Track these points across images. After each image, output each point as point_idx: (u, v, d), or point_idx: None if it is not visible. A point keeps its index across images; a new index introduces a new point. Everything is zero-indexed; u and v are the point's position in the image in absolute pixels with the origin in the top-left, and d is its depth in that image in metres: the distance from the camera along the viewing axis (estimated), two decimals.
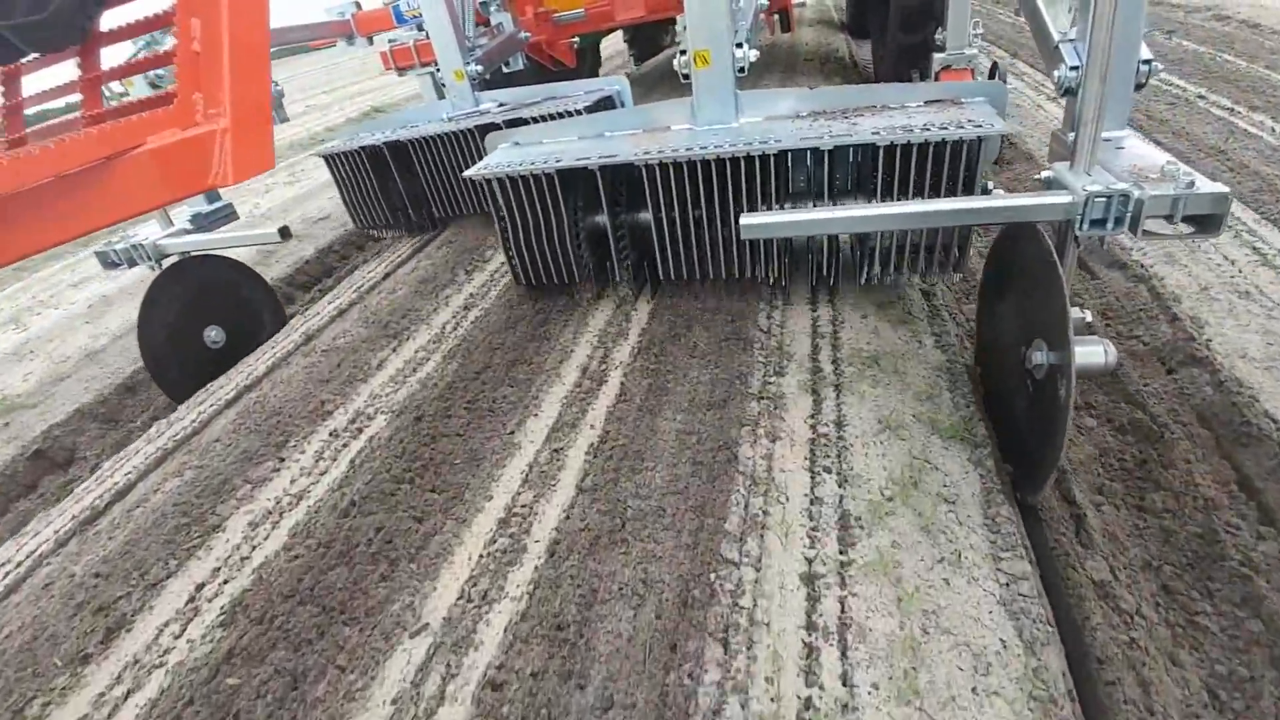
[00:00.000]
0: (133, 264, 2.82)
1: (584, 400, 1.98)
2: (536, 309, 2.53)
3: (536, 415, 1.95)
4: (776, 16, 5.52)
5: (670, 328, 2.23)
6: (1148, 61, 1.71)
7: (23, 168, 1.00)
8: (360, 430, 2.03)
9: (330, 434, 2.04)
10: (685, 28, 2.04)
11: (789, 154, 1.98)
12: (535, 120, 2.92)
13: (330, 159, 3.54)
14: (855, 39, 7.85)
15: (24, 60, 1.44)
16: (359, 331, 2.68)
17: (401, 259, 3.49)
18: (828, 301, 2.27)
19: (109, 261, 2.85)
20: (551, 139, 2.44)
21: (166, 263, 2.82)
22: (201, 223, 2.93)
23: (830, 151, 1.95)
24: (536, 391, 2.05)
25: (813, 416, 1.80)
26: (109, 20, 1.39)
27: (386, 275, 3.31)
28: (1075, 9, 1.80)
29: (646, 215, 2.24)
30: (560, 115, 2.91)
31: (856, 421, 1.77)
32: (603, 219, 2.31)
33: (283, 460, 1.96)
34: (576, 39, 4.78)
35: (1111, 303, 2.35)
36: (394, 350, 2.49)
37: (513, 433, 1.89)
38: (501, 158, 2.34)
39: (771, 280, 2.28)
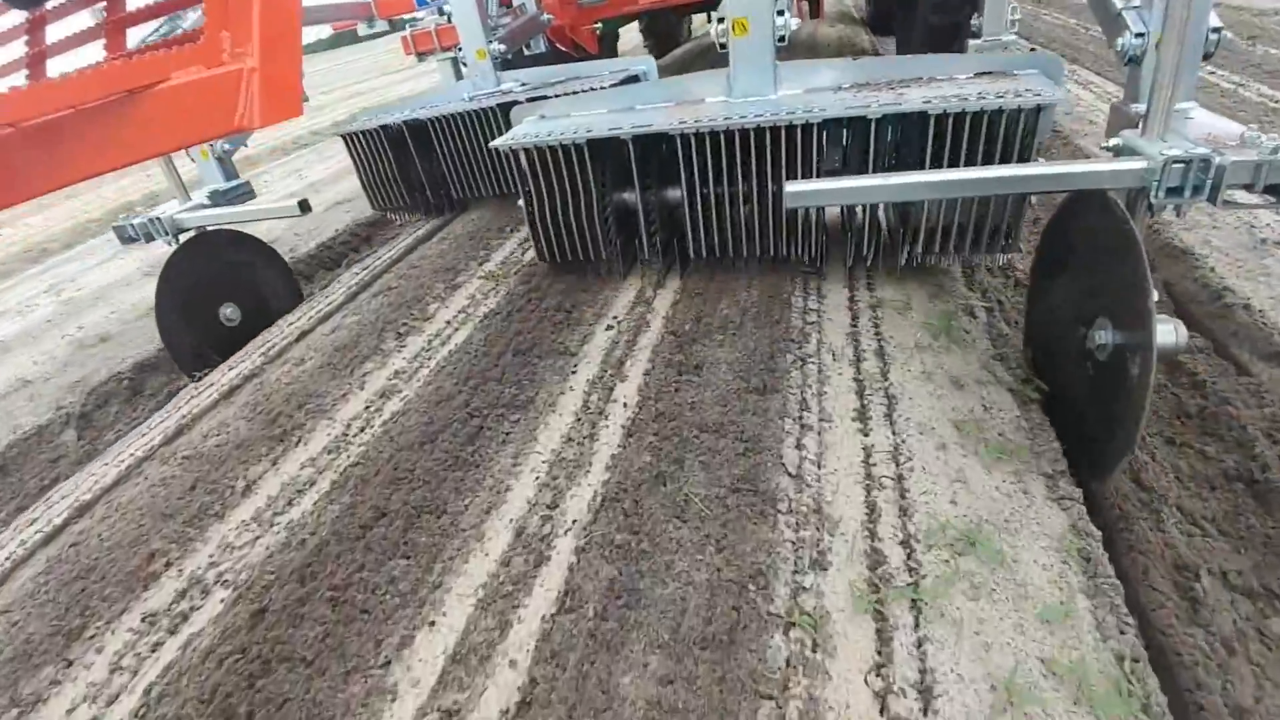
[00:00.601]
0: (150, 239, 2.78)
1: None
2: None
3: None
4: (806, 3, 5.42)
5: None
6: (1217, 30, 1.62)
7: (40, 96, 0.93)
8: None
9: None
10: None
11: (828, 129, 1.89)
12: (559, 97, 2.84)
13: (349, 138, 3.47)
14: (876, 35, 7.75)
15: (49, 7, 1.38)
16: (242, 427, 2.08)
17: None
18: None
19: (126, 236, 2.80)
20: (580, 112, 2.36)
21: (183, 238, 2.78)
22: (219, 199, 2.88)
23: (875, 124, 1.86)
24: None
25: None
26: None
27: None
28: None
29: (677, 192, 2.15)
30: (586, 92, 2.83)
31: None
32: (633, 195, 2.23)
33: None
34: (599, 24, 4.70)
35: None
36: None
37: None
38: (528, 129, 2.26)
39: (808, 260, 2.19)
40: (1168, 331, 1.42)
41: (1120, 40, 1.69)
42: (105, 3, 1.42)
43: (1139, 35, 1.66)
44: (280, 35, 1.23)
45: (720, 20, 2.02)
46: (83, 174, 1.05)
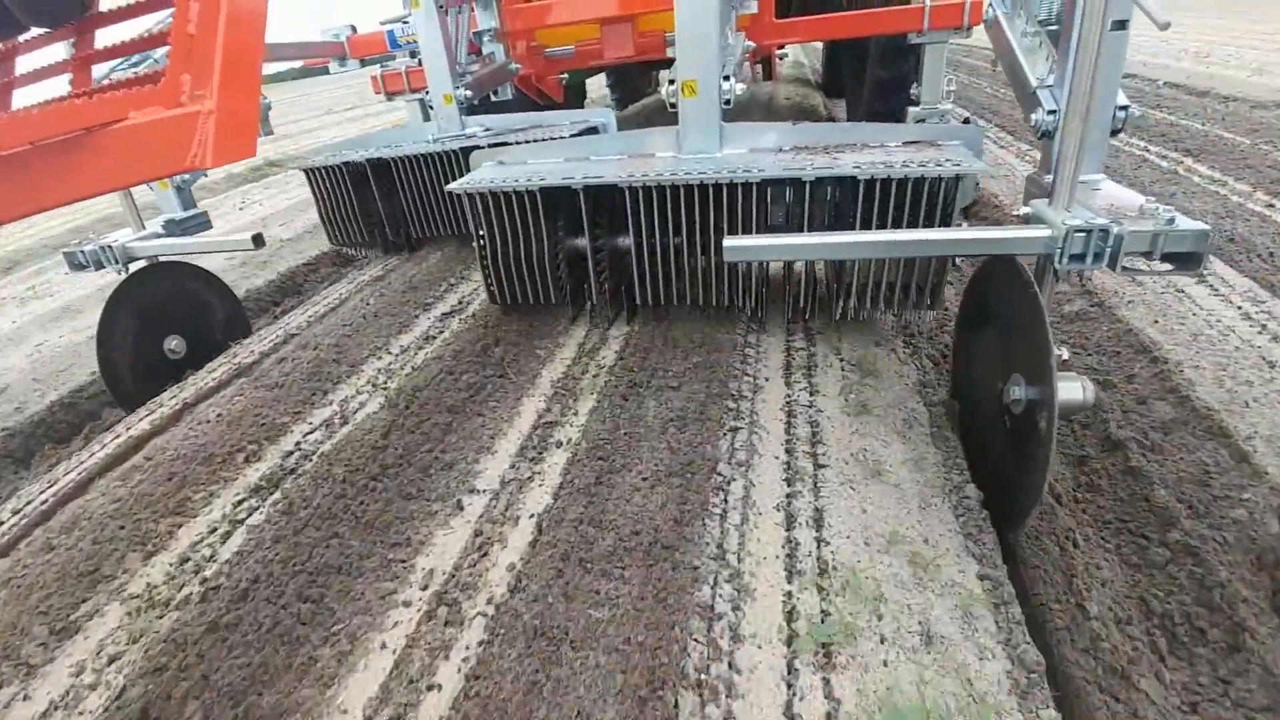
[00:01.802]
0: (100, 266, 2.71)
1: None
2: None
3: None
4: (760, 66, 5.73)
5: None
6: (1124, 107, 1.79)
7: (2, 129, 0.95)
8: None
9: None
10: (676, 57, 2.09)
11: (769, 187, 2.01)
12: (519, 144, 2.94)
13: (310, 173, 3.49)
14: (829, 97, 8.21)
15: (20, 39, 1.40)
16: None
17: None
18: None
19: (76, 263, 2.73)
20: (536, 159, 2.44)
21: (134, 267, 2.73)
22: (173, 229, 2.84)
23: (811, 185, 1.98)
24: None
25: None
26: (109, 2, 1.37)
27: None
28: (1053, 58, 1.90)
29: (626, 240, 2.24)
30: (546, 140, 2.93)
31: None
32: (584, 241, 2.30)
33: None
34: (565, 75, 4.88)
35: None
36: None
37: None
38: (485, 174, 2.33)
39: (749, 311, 2.29)
40: (1073, 389, 1.53)
41: (1034, 116, 1.86)
42: (75, 38, 1.45)
43: (1051, 112, 1.82)
44: (240, 79, 1.27)
45: (672, 81, 2.15)
46: (40, 206, 1.07)
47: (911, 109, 3.86)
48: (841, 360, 2.11)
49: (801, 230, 2.08)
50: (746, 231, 2.05)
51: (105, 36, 1.62)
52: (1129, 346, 2.31)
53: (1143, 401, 2.04)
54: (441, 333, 2.60)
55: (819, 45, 9.59)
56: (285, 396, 2.23)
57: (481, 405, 2.02)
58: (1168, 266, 1.48)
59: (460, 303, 2.92)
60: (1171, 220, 1.43)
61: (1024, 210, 1.67)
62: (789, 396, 1.94)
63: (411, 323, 2.75)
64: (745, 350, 2.15)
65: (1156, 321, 2.43)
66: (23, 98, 1.53)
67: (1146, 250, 1.46)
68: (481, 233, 2.34)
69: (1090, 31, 1.42)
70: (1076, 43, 1.44)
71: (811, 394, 1.95)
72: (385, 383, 2.25)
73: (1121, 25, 1.58)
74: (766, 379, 2.04)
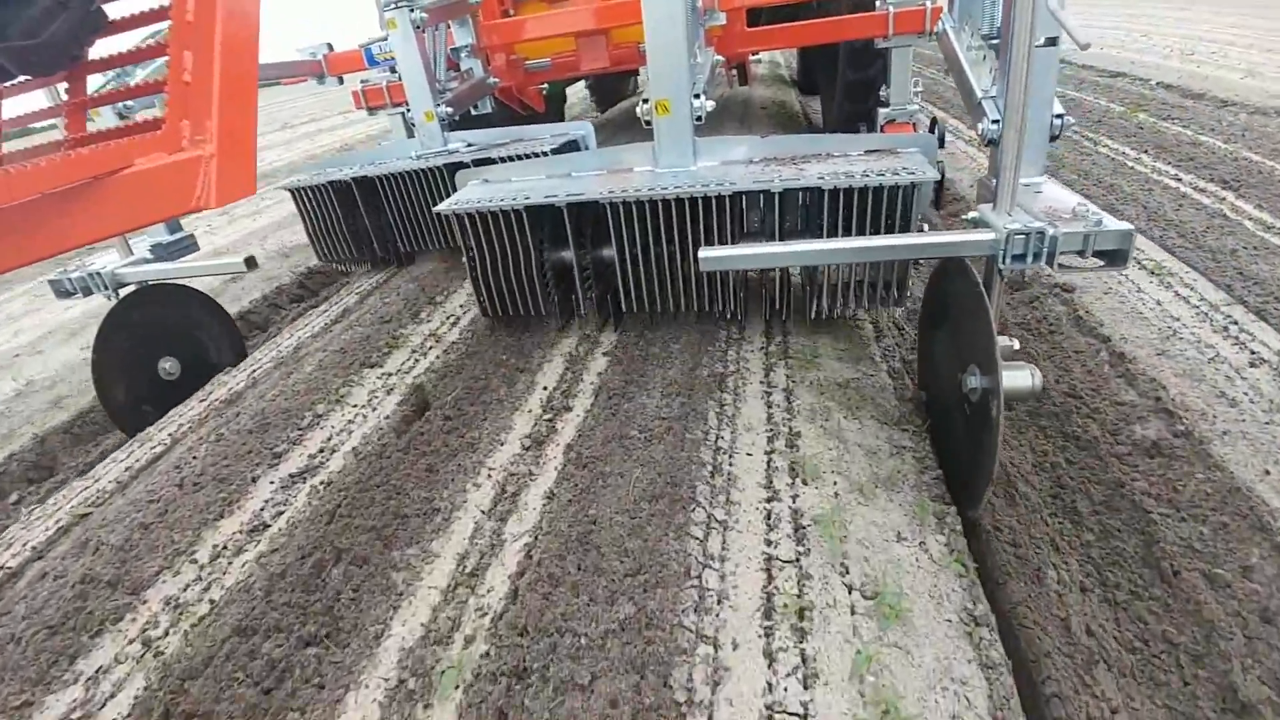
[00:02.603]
0: (88, 293, 2.77)
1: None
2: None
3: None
4: (735, 70, 5.86)
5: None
6: (1060, 116, 1.92)
7: (14, 184, 1.04)
8: None
9: None
10: (648, 78, 2.20)
11: (743, 195, 2.13)
12: (503, 160, 3.03)
13: (296, 192, 3.57)
14: (804, 95, 8.36)
15: (10, 83, 1.48)
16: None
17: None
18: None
19: (63, 290, 2.79)
20: (520, 177, 2.55)
21: (124, 292, 2.79)
22: (161, 253, 2.91)
23: (780, 195, 2.11)
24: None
25: None
26: (101, 49, 1.45)
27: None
28: (995, 70, 2.03)
29: (610, 251, 2.35)
30: (527, 156, 3.03)
31: None
32: (569, 254, 2.41)
33: None
34: (545, 86, 4.97)
35: None
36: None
37: None
38: (471, 194, 2.43)
39: (729, 314, 2.41)
40: (1021, 376, 1.67)
41: (980, 125, 1.99)
42: (67, 85, 1.53)
43: (995, 121, 1.95)
44: (237, 124, 1.37)
45: (645, 100, 2.26)
46: (50, 251, 1.15)
47: (881, 109, 4.01)
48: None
49: (775, 235, 2.20)
50: (723, 239, 2.17)
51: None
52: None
53: None
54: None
55: None
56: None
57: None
58: (1099, 263, 1.61)
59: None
60: (1099, 222, 1.56)
61: (972, 214, 1.80)
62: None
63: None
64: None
65: None
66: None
67: (1079, 249, 1.59)
68: (471, 250, 2.44)
69: (1021, 48, 1.54)
70: (1012, 57, 1.57)
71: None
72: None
73: (1052, 42, 1.71)
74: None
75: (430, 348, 2.68)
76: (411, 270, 3.69)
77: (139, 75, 2.53)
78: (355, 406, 2.30)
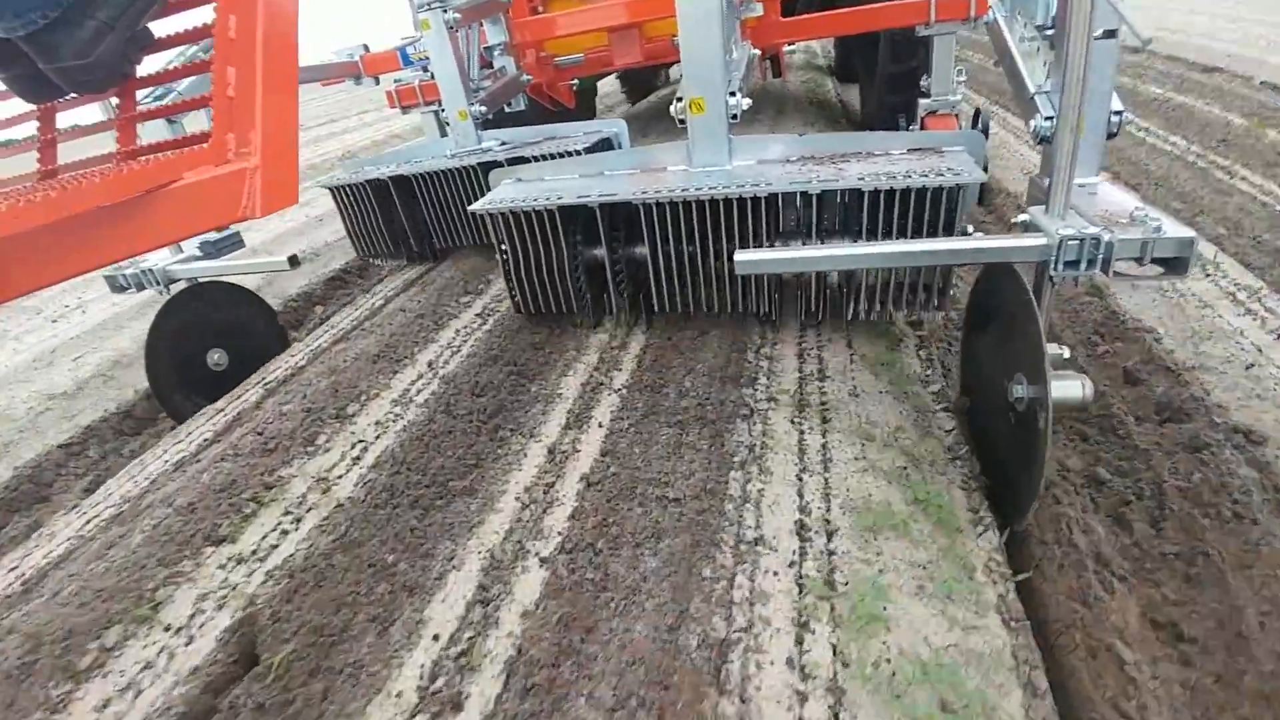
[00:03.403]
0: (141, 288, 2.89)
1: None
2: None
3: None
4: (768, 62, 5.75)
5: None
6: (1119, 112, 1.83)
7: (74, 198, 1.08)
8: None
9: None
10: (682, 76, 2.17)
11: (779, 196, 2.09)
12: (536, 159, 3.03)
13: (335, 190, 3.64)
14: (841, 83, 8.16)
15: (64, 99, 1.53)
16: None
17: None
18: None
19: (117, 286, 2.91)
20: (553, 176, 2.54)
21: (175, 288, 2.90)
22: (209, 250, 3.01)
23: (818, 194, 2.06)
24: None
25: None
26: (147, 66, 1.49)
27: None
28: (1049, 63, 1.94)
29: (643, 249, 2.33)
30: (560, 155, 3.03)
31: None
32: (601, 252, 2.40)
33: None
34: (576, 81, 4.96)
35: None
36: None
37: None
38: (505, 193, 2.44)
39: (762, 314, 2.37)
40: (1072, 387, 1.60)
41: (1033, 122, 1.91)
42: (118, 100, 1.58)
43: (1048, 118, 1.87)
44: (279, 136, 1.39)
45: (679, 99, 2.23)
46: (105, 260, 1.20)
47: (922, 100, 3.88)
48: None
49: (812, 235, 2.15)
50: (758, 239, 2.13)
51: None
52: None
53: None
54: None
55: None
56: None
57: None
58: (1159, 270, 1.54)
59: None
60: (1159, 228, 1.49)
61: (1023, 217, 1.73)
62: None
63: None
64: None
65: None
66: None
67: (1137, 256, 1.51)
68: (504, 248, 2.45)
69: (1079, 40, 1.47)
70: (1068, 51, 1.49)
71: None
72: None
73: (1111, 34, 1.62)
74: None
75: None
76: (443, 267, 3.73)
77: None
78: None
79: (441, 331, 2.83)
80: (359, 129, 11.11)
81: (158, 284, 2.88)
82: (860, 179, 1.93)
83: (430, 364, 2.53)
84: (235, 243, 3.17)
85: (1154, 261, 1.58)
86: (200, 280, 2.94)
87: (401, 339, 2.77)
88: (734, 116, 2.19)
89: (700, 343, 2.35)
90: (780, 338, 2.37)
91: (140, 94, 1.74)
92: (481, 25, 3.97)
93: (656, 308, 2.42)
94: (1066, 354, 1.75)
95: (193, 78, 2.11)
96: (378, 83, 4.63)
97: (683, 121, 2.24)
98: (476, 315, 2.95)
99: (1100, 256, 1.56)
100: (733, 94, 2.16)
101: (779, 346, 2.32)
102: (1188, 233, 1.49)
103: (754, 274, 2.16)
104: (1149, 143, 4.64)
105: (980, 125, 3.79)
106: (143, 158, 1.43)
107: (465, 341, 2.68)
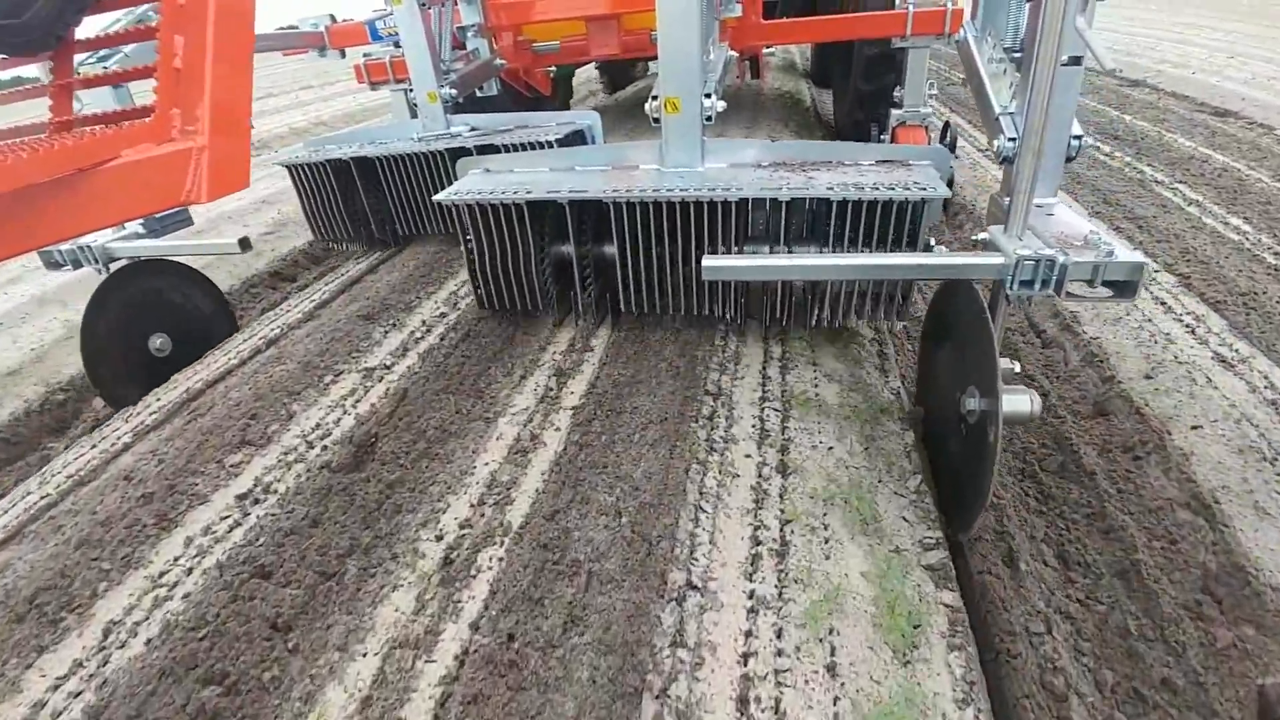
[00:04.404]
0: (78, 265, 2.73)
1: None
2: None
3: None
4: (747, 63, 5.76)
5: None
6: (1078, 137, 1.88)
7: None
8: None
9: None
10: (658, 75, 2.14)
11: (749, 201, 2.08)
12: (507, 148, 2.97)
13: (293, 169, 3.50)
14: (817, 87, 8.24)
15: None
16: None
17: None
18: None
19: (52, 261, 2.74)
20: (522, 169, 2.49)
21: (114, 266, 2.74)
22: (153, 227, 2.86)
23: (787, 201, 2.06)
24: None
25: None
26: (88, 29, 1.39)
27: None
28: (1015, 85, 1.98)
29: (611, 249, 2.31)
30: (532, 145, 2.97)
31: None
32: (569, 249, 2.37)
33: None
34: (553, 69, 4.88)
35: None
36: None
37: None
38: (472, 183, 2.38)
39: (728, 318, 2.37)
40: (1021, 401, 1.64)
41: (996, 141, 1.94)
42: (52, 64, 1.47)
43: (1011, 139, 1.90)
44: (230, 113, 1.32)
45: (654, 97, 2.20)
46: (32, 245, 1.11)
47: (894, 110, 3.94)
48: None
49: (780, 241, 2.16)
50: (727, 243, 2.13)
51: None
52: None
53: None
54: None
55: None
56: None
57: None
58: (1108, 293, 1.58)
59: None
60: (1111, 252, 1.53)
61: (982, 235, 1.77)
62: None
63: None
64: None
65: None
66: None
67: (1088, 279, 1.56)
68: (469, 240, 2.39)
69: (1045, 65, 1.50)
70: (1034, 75, 1.52)
71: None
72: None
73: (1075, 61, 1.66)
74: None
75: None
76: (403, 256, 3.63)
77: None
78: None
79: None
80: (306, 105, 10.64)
81: (95, 262, 2.71)
82: (829, 188, 1.94)
83: None
84: (182, 219, 3.01)
85: (1104, 284, 1.63)
86: (142, 259, 2.78)
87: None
88: (709, 118, 2.17)
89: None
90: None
91: (79, 59, 1.63)
92: (455, 4, 3.87)
93: (623, 308, 2.40)
94: (1017, 368, 1.80)
95: (138, 44, 1.99)
96: (343, 55, 4.47)
97: (657, 120, 2.22)
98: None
99: (1054, 278, 1.60)
100: (708, 95, 2.15)
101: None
102: (1138, 258, 1.54)
103: (720, 280, 2.16)
104: (1208, 225, 3.45)
105: (949, 139, 3.87)
106: (77, 130, 1.34)
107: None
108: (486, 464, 1.86)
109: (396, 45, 4.51)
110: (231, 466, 1.91)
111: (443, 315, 2.76)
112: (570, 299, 2.50)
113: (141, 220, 2.82)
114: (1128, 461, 2.04)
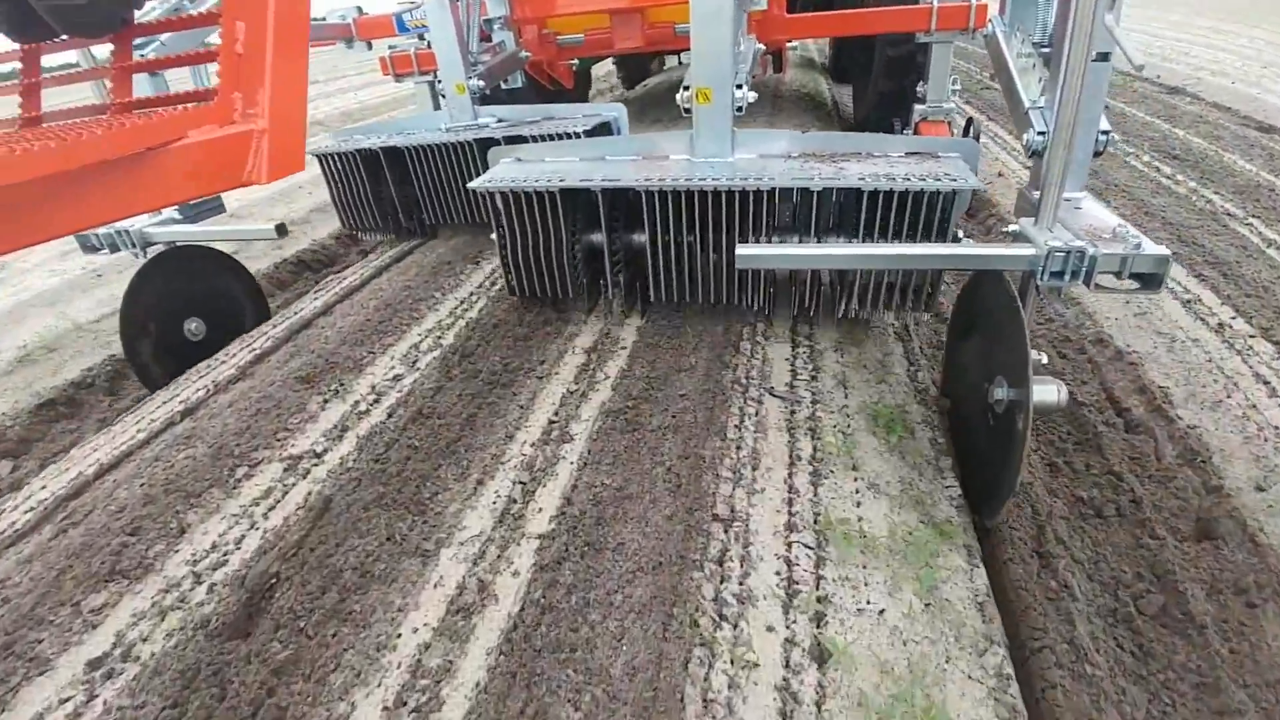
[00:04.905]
0: (115, 249, 2.79)
1: None
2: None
3: None
4: (770, 57, 5.77)
5: None
6: (1106, 132, 1.89)
7: (76, 150, 1.04)
8: None
9: None
10: (690, 65, 2.17)
11: (778, 191, 2.11)
12: (535, 139, 3.01)
13: (323, 158, 3.56)
14: (836, 83, 8.21)
15: (55, 41, 1.47)
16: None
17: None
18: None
19: (89, 246, 2.80)
20: (554, 158, 2.53)
21: (151, 251, 2.80)
22: (188, 213, 2.92)
23: (818, 191, 2.09)
24: None
25: None
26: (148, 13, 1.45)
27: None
28: (1044, 80, 1.99)
29: (641, 237, 2.35)
30: (558, 136, 3.01)
31: None
32: (599, 238, 2.41)
33: None
34: (576, 62, 4.91)
35: None
36: None
37: None
38: (505, 172, 2.42)
39: (756, 308, 2.40)
40: (1049, 391, 1.67)
41: (1026, 135, 1.96)
42: (114, 47, 1.52)
43: (1041, 133, 1.92)
44: (288, 99, 1.37)
45: (686, 88, 2.23)
46: (101, 219, 1.16)
47: (917, 106, 3.94)
48: None
49: (809, 231, 2.19)
50: (757, 233, 2.16)
51: None
52: None
53: None
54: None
55: None
56: None
57: None
58: (1135, 285, 1.61)
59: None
60: (1139, 245, 1.55)
61: (1012, 228, 1.79)
62: None
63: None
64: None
65: None
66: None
67: (1116, 270, 1.58)
68: (502, 227, 2.44)
69: (1075, 61, 1.52)
70: (1064, 71, 1.54)
71: None
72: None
73: (1104, 57, 1.67)
74: None
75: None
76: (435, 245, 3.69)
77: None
78: None
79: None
80: (333, 95, 10.70)
81: (133, 246, 2.77)
82: (861, 179, 1.97)
83: None
84: (215, 206, 3.08)
85: (1131, 276, 1.65)
86: (179, 244, 2.85)
87: None
88: (739, 109, 2.20)
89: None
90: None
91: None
92: None
93: (653, 297, 2.43)
94: (1044, 359, 1.82)
95: (177, 33, 2.04)
96: (370, 47, 4.52)
97: (688, 110, 2.25)
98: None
99: (1084, 269, 1.62)
100: (739, 86, 2.18)
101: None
102: (1163, 251, 1.56)
103: (752, 269, 2.19)
104: None
105: (971, 134, 3.87)
106: (137, 112, 1.39)
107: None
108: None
109: (422, 38, 4.57)
110: (91, 613, 1.44)
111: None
112: (600, 287, 2.54)
113: (177, 207, 2.89)
114: (1241, 608, 1.52)
